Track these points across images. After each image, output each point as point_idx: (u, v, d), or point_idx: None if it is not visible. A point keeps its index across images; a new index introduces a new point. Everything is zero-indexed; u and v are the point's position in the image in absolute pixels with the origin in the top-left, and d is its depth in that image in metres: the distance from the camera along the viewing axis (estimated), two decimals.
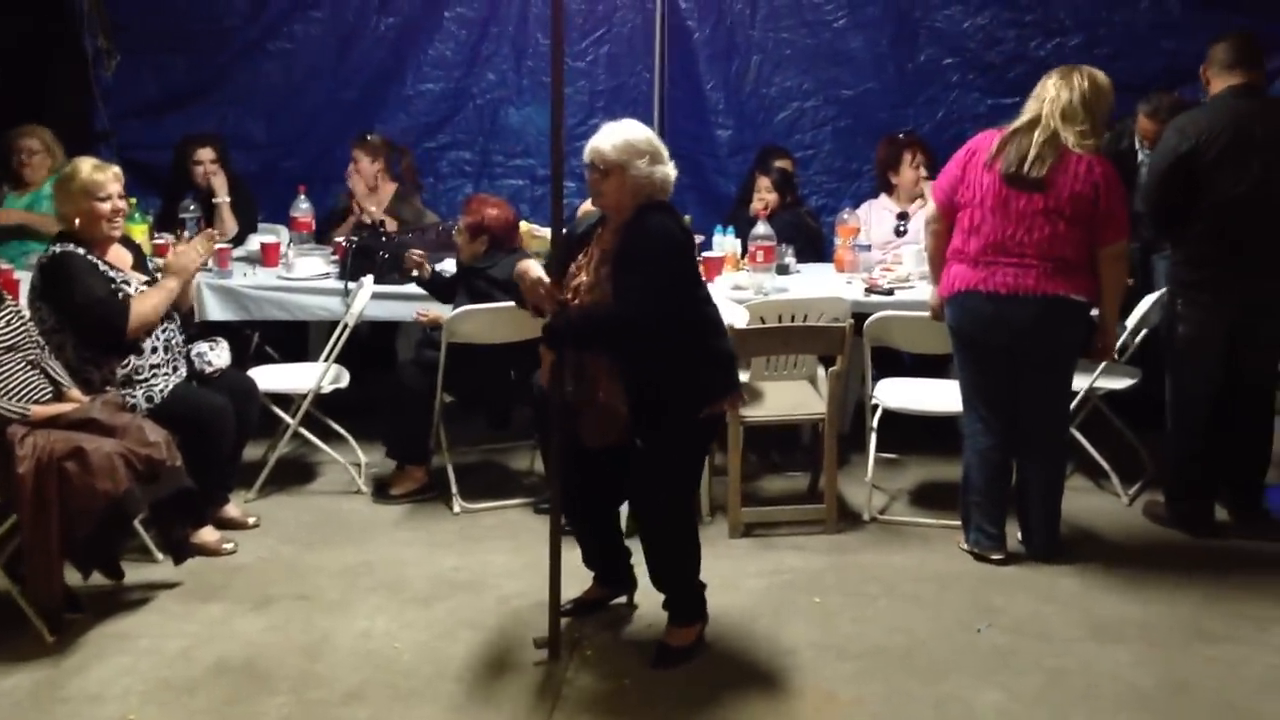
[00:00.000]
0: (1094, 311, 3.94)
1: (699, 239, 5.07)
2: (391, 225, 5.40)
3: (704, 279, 3.46)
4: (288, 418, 4.58)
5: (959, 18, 5.98)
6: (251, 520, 4.34)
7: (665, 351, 3.18)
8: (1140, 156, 5.09)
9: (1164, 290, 4.35)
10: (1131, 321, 4.50)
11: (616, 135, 3.22)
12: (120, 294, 4.00)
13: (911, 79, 6.07)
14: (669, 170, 3.27)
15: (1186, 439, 4.23)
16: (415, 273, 4.68)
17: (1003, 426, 4.00)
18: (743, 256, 5.12)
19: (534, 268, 3.25)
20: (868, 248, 5.26)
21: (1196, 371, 4.16)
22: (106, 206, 4.03)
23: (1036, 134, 3.80)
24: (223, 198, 5.49)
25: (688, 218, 4.96)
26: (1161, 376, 4.56)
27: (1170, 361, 4.24)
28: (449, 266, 4.89)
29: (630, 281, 3.13)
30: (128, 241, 4.33)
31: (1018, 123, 3.86)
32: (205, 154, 5.57)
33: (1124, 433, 4.72)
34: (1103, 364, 4.39)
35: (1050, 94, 3.82)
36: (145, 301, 4.03)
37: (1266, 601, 3.74)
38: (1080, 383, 4.46)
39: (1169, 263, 4.21)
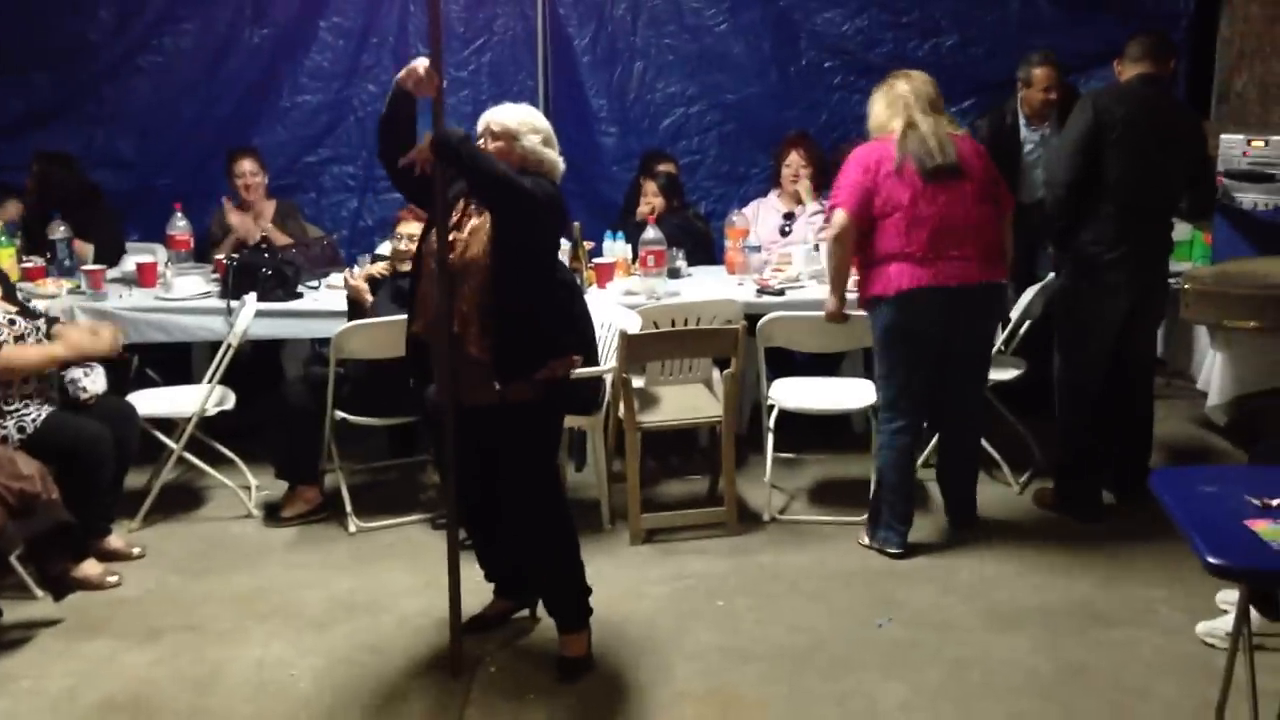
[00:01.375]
0: None
1: (589, 245, 5.07)
2: (282, 240, 5.26)
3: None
4: (171, 443, 4.43)
5: (838, 20, 6.06)
6: (136, 551, 4.18)
7: (536, 299, 3.17)
8: (1024, 133, 5.21)
9: (1051, 277, 4.45)
10: (1015, 313, 4.60)
11: (515, 109, 3.28)
12: None
13: (794, 82, 6.13)
14: (558, 159, 3.29)
15: (1079, 423, 4.33)
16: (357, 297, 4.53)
17: (920, 421, 4.16)
18: (633, 262, 5.11)
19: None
20: (757, 249, 5.29)
21: (1093, 354, 4.24)
22: None
23: (924, 130, 3.95)
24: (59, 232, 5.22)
25: (576, 224, 4.95)
26: (1041, 367, 4.70)
27: (1066, 344, 4.32)
28: (334, 282, 4.78)
29: (529, 245, 3.17)
30: None
31: (896, 131, 3.98)
32: (35, 168, 5.36)
33: (1012, 423, 4.81)
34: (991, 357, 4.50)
35: (907, 97, 4.01)
36: (21, 355, 3.87)
37: (1155, 583, 3.85)
38: None
39: (1070, 247, 4.25)
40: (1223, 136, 5.08)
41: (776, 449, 4.50)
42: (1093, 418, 4.29)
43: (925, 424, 4.30)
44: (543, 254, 3.25)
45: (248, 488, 4.62)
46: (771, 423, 4.46)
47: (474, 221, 3.20)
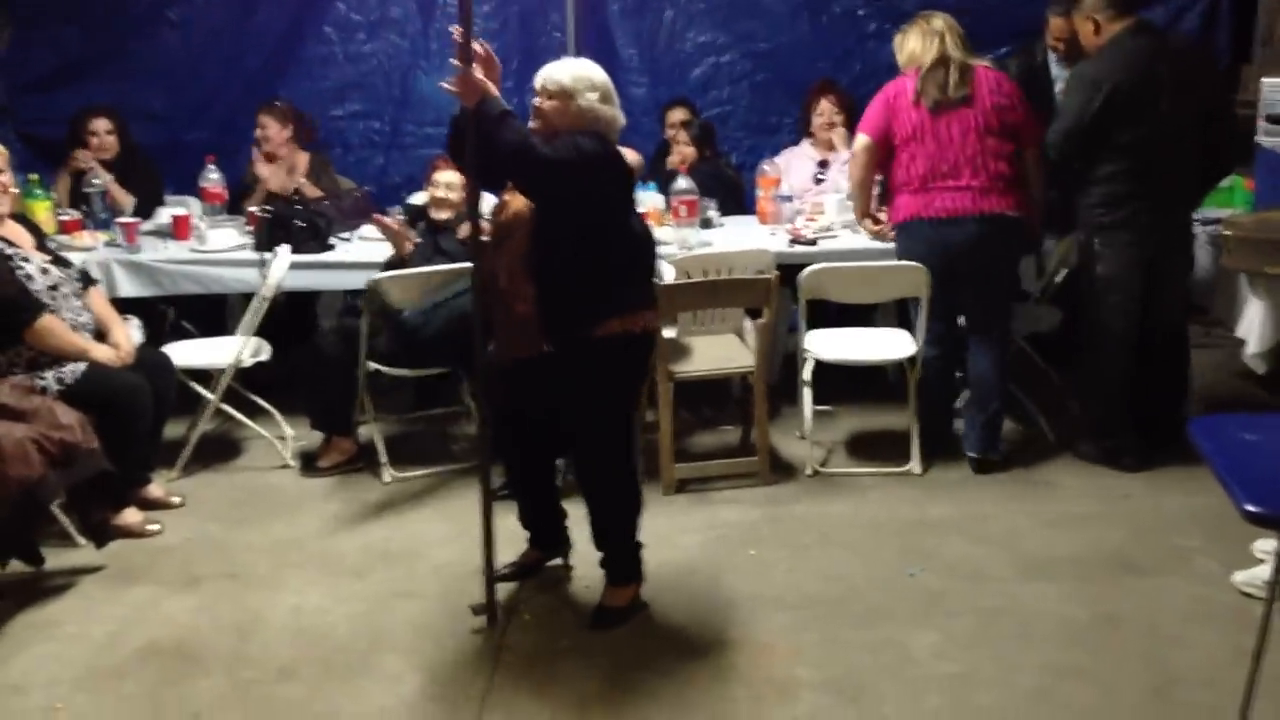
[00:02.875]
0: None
1: None
2: (314, 193, 5.26)
3: (637, 213, 3.39)
4: (208, 394, 4.46)
5: None
6: (176, 500, 4.23)
7: (583, 249, 3.12)
8: (1054, 70, 5.12)
9: (1079, 230, 4.40)
10: (1051, 263, 4.55)
11: (573, 64, 3.23)
12: (17, 272, 3.86)
13: (827, 31, 6.05)
14: (617, 113, 3.24)
15: (1107, 376, 4.30)
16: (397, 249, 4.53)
17: (947, 349, 4.39)
18: (665, 211, 5.08)
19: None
20: (790, 198, 5.25)
21: (1115, 309, 4.22)
22: None
23: (951, 66, 4.18)
24: (102, 178, 5.24)
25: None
26: (1074, 313, 4.67)
27: (1088, 300, 4.30)
28: (368, 233, 4.79)
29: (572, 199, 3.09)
30: (25, 220, 4.17)
31: (925, 64, 4.21)
32: (100, 125, 5.36)
33: (1048, 373, 4.78)
34: (1024, 307, 4.48)
35: (942, 31, 4.23)
36: (61, 334, 3.91)
37: (1190, 532, 3.83)
38: None
39: (1084, 203, 4.24)
40: (1264, 81, 4.97)
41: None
42: (1122, 374, 4.25)
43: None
44: (588, 210, 3.12)
45: (284, 438, 4.66)
46: (808, 375, 4.44)
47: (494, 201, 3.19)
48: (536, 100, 3.19)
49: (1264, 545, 3.41)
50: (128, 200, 5.29)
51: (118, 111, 5.46)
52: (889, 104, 4.29)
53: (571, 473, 3.56)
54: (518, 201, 3.18)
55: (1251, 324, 4.25)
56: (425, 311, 4.19)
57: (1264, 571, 3.27)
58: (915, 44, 4.29)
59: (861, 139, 4.36)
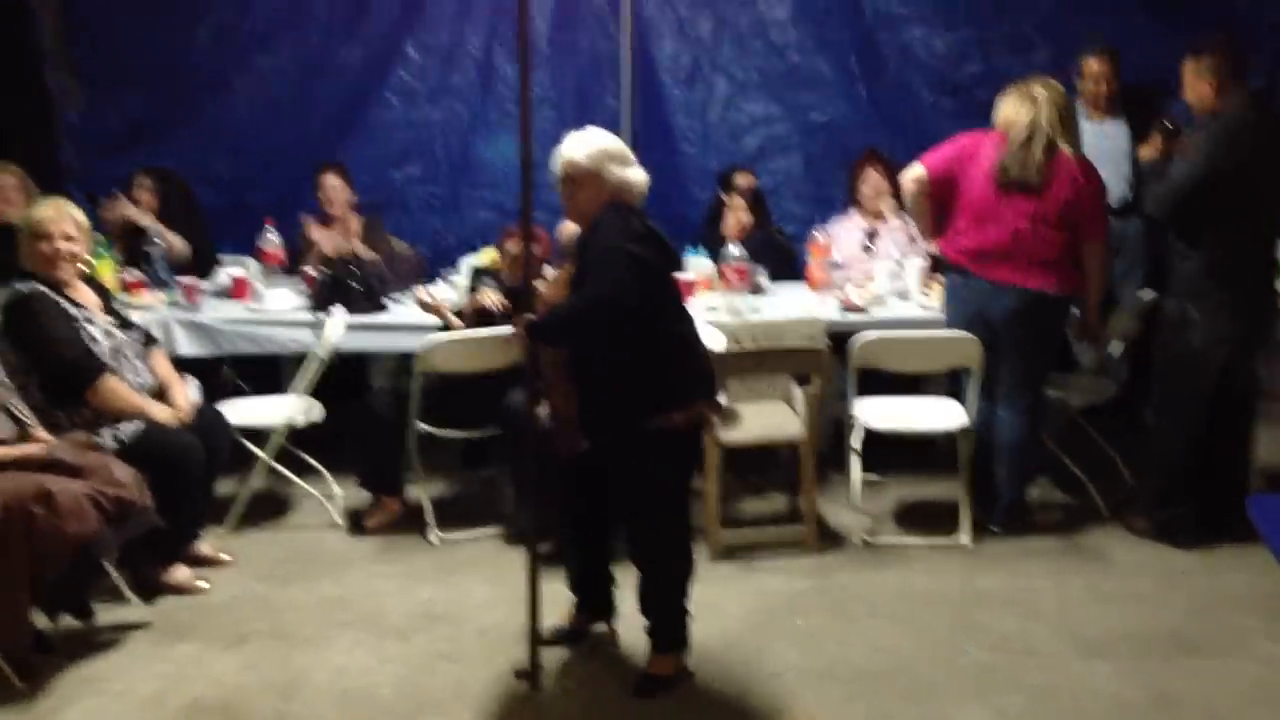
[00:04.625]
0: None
1: None
2: (369, 255, 5.35)
3: (678, 295, 3.39)
4: (260, 452, 4.51)
5: (926, 38, 6.00)
6: (225, 557, 4.26)
7: (618, 353, 3.12)
8: (1082, 125, 4.92)
9: (1150, 297, 4.36)
10: (1115, 334, 4.50)
11: (587, 142, 3.22)
12: (82, 333, 3.95)
13: (880, 102, 6.08)
14: (640, 173, 3.25)
15: (1175, 447, 4.23)
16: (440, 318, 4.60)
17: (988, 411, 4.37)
18: (716, 277, 5.10)
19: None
20: (840, 265, 5.26)
21: (1196, 380, 4.15)
22: (50, 247, 3.97)
23: (1035, 143, 4.11)
24: (146, 221, 5.36)
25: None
26: (1135, 386, 4.60)
27: (1172, 371, 4.23)
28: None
29: (594, 268, 3.07)
30: (93, 283, 4.27)
31: (1017, 136, 4.13)
32: (144, 182, 5.49)
33: (1101, 445, 4.71)
34: (1077, 377, 4.45)
35: (1038, 98, 4.14)
36: (122, 394, 3.97)
37: (1250, 612, 3.74)
38: (1057, 396, 4.51)
39: (1182, 270, 4.18)
40: None
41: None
42: (1195, 440, 4.19)
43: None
44: (634, 312, 3.06)
45: (332, 497, 4.70)
46: (858, 443, 4.41)
47: (554, 273, 3.21)
48: (561, 188, 3.20)
49: None
50: (179, 243, 5.38)
51: (173, 173, 5.60)
52: (960, 155, 4.25)
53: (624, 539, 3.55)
54: (551, 290, 3.19)
55: None
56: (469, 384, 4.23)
57: None
58: (1009, 108, 4.22)
59: (918, 168, 4.29)
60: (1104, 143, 5.09)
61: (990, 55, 5.96)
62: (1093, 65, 5.08)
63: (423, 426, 4.39)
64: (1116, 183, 5.05)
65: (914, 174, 4.31)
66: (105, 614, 3.78)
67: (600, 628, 3.67)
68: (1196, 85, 4.14)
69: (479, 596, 3.97)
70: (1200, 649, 3.54)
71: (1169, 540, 4.26)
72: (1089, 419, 4.75)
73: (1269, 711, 3.18)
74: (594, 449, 3.26)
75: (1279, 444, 5.06)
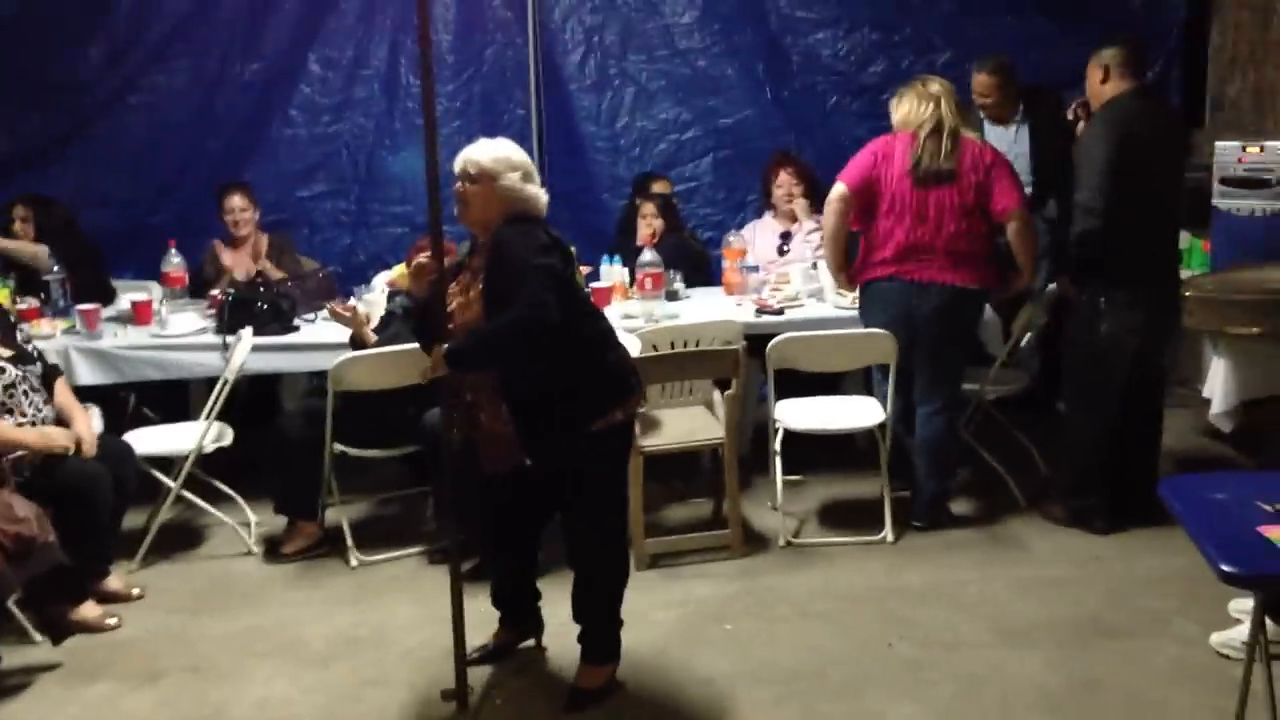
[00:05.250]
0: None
1: (585, 270, 5.03)
2: (277, 274, 5.24)
3: (587, 296, 3.41)
4: (169, 481, 4.39)
5: (830, 41, 6.08)
6: (135, 591, 4.13)
7: (546, 366, 3.09)
8: (986, 130, 5.26)
9: (1052, 288, 4.44)
10: (1018, 327, 4.57)
11: (491, 146, 3.19)
12: None
13: (788, 105, 6.13)
14: (541, 191, 3.23)
15: (1090, 436, 4.29)
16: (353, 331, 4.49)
17: (902, 407, 4.41)
18: (630, 285, 5.09)
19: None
20: (755, 268, 5.27)
21: (1109, 369, 4.22)
22: None
23: (943, 133, 4.21)
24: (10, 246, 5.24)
25: (572, 248, 4.91)
26: (1046, 378, 4.69)
27: (1083, 361, 4.29)
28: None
29: (511, 286, 3.02)
30: None
31: (923, 130, 4.21)
32: (19, 211, 5.33)
33: (1016, 437, 4.78)
34: (992, 372, 4.52)
35: (938, 95, 4.25)
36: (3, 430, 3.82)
37: (1166, 593, 3.81)
38: (971, 391, 4.57)
39: (1086, 262, 4.22)
40: (1218, 144, 5.07)
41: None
42: (1109, 428, 4.25)
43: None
44: (556, 327, 3.04)
45: (247, 524, 4.58)
46: (778, 445, 4.42)
47: (473, 290, 3.15)
48: (458, 186, 3.16)
49: (1241, 605, 3.39)
50: (37, 249, 5.23)
51: (54, 201, 5.42)
52: (876, 163, 4.28)
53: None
54: (470, 313, 3.14)
55: (1215, 383, 4.27)
56: (384, 400, 4.16)
57: (1241, 632, 3.25)
58: (909, 107, 4.30)
59: (839, 187, 4.31)
60: (1003, 147, 5.14)
61: (894, 57, 6.06)
62: (979, 79, 5.22)
63: (339, 447, 4.30)
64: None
65: (836, 193, 4.32)
66: (11, 656, 3.65)
67: (528, 644, 3.62)
68: (1093, 78, 4.24)
69: (402, 618, 3.89)
70: (1120, 632, 3.60)
71: (1085, 527, 4.32)
72: (1003, 411, 4.81)
73: (1188, 690, 3.24)
74: (539, 462, 3.21)
75: (1187, 429, 5.20)
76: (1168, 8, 6.05)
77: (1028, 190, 5.23)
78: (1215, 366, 4.28)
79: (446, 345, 3.07)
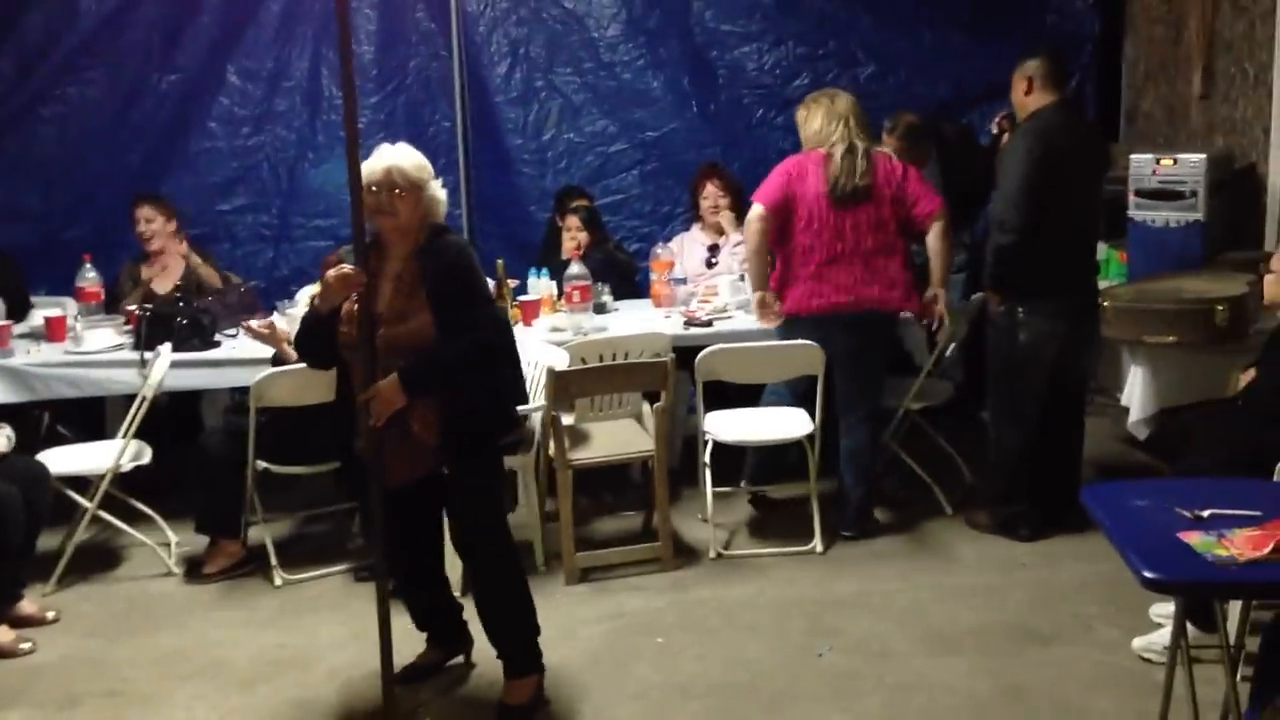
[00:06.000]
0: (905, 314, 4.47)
1: (513, 283, 5.01)
2: (215, 278, 5.10)
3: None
4: (85, 501, 4.27)
5: (755, 55, 6.13)
6: (50, 615, 4.01)
7: (486, 378, 3.13)
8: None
9: (976, 298, 4.51)
10: (942, 338, 4.62)
11: (410, 154, 3.17)
12: None
13: (713, 118, 6.16)
14: (444, 193, 3.25)
15: (1014, 444, 4.35)
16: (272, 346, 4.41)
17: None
18: (558, 298, 5.07)
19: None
20: (683, 281, 5.28)
21: (1029, 378, 4.28)
22: None
23: (858, 155, 4.25)
24: None
25: (500, 261, 4.89)
26: (970, 387, 4.75)
27: (1005, 370, 4.35)
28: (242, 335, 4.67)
29: (472, 309, 3.10)
30: None
31: (837, 151, 4.27)
32: None
33: (942, 445, 4.84)
34: (918, 383, 4.57)
35: (847, 116, 4.30)
36: None
37: (1089, 600, 3.87)
38: (896, 402, 4.62)
39: (1003, 273, 4.29)
40: (1132, 156, 5.17)
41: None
42: (1032, 436, 4.31)
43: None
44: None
45: (167, 544, 4.47)
46: (708, 457, 4.42)
47: (411, 302, 3.11)
48: (381, 197, 3.09)
49: (1162, 610, 3.46)
50: None
51: None
52: (790, 181, 4.30)
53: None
54: (415, 322, 3.10)
55: (1133, 391, 4.35)
56: (307, 416, 4.09)
57: (1163, 636, 3.31)
58: (819, 124, 4.34)
59: (757, 208, 4.34)
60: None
61: (818, 71, 6.12)
62: (889, 141, 5.32)
63: (261, 464, 4.22)
64: None
65: (754, 213, 4.35)
66: None
67: (457, 661, 3.58)
68: (1018, 90, 4.32)
69: (328, 638, 3.82)
70: (1044, 639, 3.65)
71: (1010, 534, 4.38)
72: (929, 420, 4.87)
73: (1112, 695, 3.29)
74: (451, 471, 3.19)
75: (1107, 437, 5.30)
76: (1081, 22, 6.20)
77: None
78: (1133, 375, 4.36)
79: (399, 373, 3.03)
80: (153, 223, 5.23)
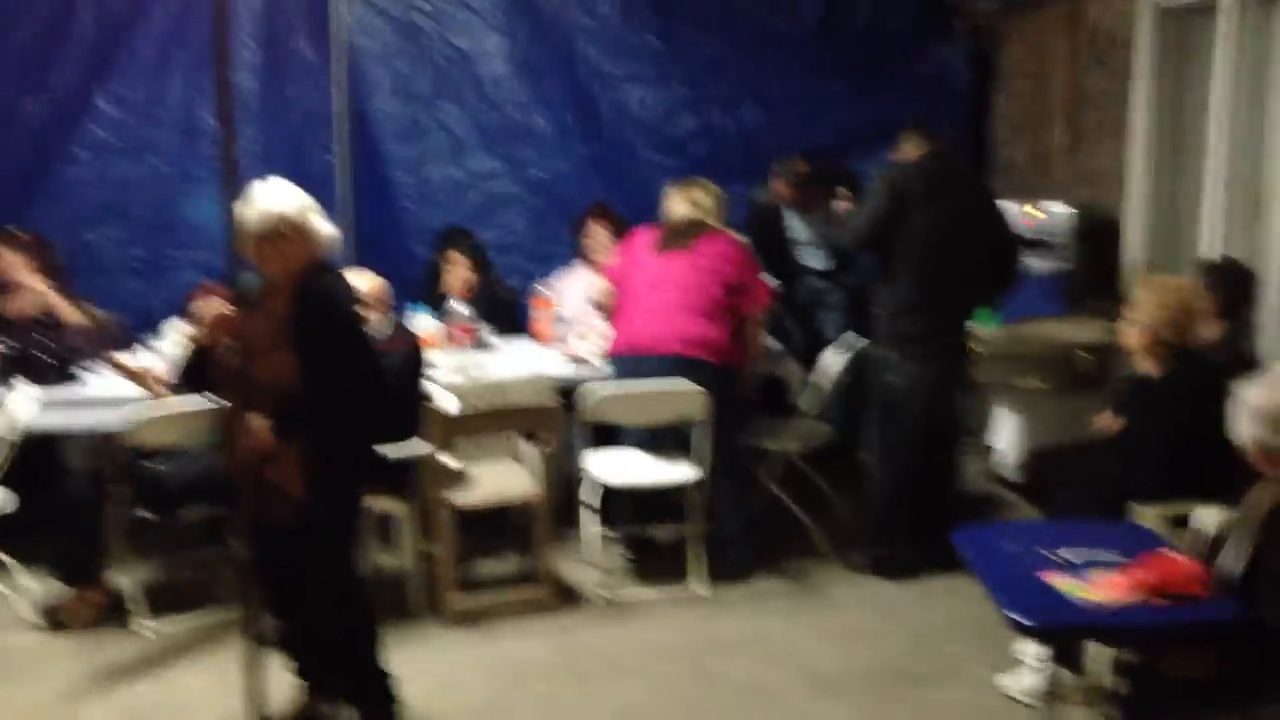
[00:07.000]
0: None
1: None
2: (73, 314, 4.90)
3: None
4: None
5: (640, 95, 6.17)
6: None
7: (347, 428, 3.08)
8: (785, 212, 5.65)
9: (856, 342, 4.59)
10: (824, 379, 4.69)
11: (288, 196, 3.11)
12: None
13: (598, 157, 6.18)
14: (331, 228, 3.19)
15: (891, 485, 4.44)
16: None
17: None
18: (445, 338, 5.01)
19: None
20: (564, 320, 5.27)
21: (903, 419, 4.38)
22: None
23: (691, 222, 4.48)
24: None
25: None
26: (848, 428, 4.84)
27: (881, 413, 4.44)
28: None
29: (334, 354, 3.04)
30: None
31: (677, 218, 4.51)
32: None
33: (819, 486, 4.90)
34: (795, 423, 4.62)
35: (701, 200, 4.54)
36: None
37: (962, 640, 3.95)
38: (776, 444, 4.66)
39: (879, 315, 4.43)
40: (999, 205, 5.35)
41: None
42: (908, 477, 4.40)
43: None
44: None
45: (24, 592, 4.27)
46: (590, 498, 4.40)
47: (276, 340, 3.05)
48: (264, 245, 3.05)
49: (1024, 648, 3.54)
50: None
51: None
52: (625, 246, 4.64)
53: None
54: (275, 360, 3.03)
55: (1003, 434, 4.48)
56: (177, 460, 3.97)
57: (1026, 675, 3.40)
58: (673, 205, 4.60)
59: (602, 282, 4.67)
60: (808, 229, 5.72)
61: (703, 113, 6.20)
62: (776, 185, 5.69)
63: (128, 510, 4.05)
64: (821, 256, 5.74)
65: (600, 287, 4.68)
66: None
67: (329, 708, 3.48)
68: (901, 146, 4.54)
69: (196, 689, 3.69)
70: (920, 679, 3.72)
71: (885, 574, 4.46)
72: (807, 459, 4.93)
73: None
74: (315, 516, 3.11)
75: (977, 476, 5.43)
76: (951, 75, 6.40)
77: (829, 258, 5.71)
78: (1003, 418, 4.49)
79: (273, 417, 2.96)
80: (6, 258, 5.01)
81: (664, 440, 4.48)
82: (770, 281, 4.95)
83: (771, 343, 4.98)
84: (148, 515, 4.12)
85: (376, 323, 4.15)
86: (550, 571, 4.27)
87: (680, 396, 4.32)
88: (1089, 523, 3.29)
